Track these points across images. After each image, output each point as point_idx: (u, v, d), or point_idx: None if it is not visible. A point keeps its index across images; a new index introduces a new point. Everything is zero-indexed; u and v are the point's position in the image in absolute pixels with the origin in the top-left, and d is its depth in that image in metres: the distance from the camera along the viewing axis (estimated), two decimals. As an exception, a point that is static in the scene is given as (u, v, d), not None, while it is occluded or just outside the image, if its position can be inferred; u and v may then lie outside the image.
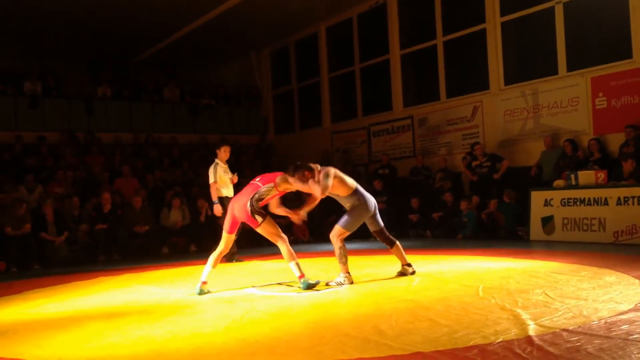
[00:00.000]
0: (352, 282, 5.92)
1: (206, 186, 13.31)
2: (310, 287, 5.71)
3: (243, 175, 14.79)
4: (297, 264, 5.78)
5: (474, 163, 11.42)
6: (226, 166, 8.99)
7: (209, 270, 5.95)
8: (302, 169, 5.76)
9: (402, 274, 6.26)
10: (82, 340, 4.14)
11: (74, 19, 13.52)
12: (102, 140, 14.66)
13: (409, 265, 6.28)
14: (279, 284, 6.32)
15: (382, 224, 6.20)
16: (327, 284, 5.88)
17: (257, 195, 5.74)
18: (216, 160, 8.91)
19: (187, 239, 11.61)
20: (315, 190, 5.69)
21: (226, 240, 6.00)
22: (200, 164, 14.65)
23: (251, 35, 15.98)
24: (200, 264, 8.76)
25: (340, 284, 5.85)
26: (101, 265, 9.74)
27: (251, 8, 13.63)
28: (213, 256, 6.01)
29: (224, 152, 8.92)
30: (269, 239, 5.90)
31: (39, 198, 11.30)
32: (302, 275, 5.76)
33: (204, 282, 5.91)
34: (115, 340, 4.09)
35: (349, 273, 5.95)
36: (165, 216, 11.55)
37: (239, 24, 14.80)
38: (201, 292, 5.84)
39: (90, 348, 3.92)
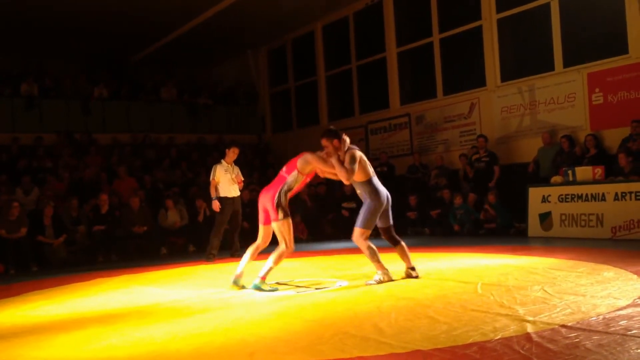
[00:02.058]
0: (391, 279, 5.74)
1: (205, 186, 13.39)
2: (258, 289, 5.67)
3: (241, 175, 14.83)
4: (271, 269, 5.73)
5: (475, 156, 11.43)
6: (229, 166, 9.10)
7: (246, 263, 5.95)
8: (332, 136, 5.66)
9: (408, 276, 5.99)
10: (82, 342, 4.13)
11: (71, 19, 13.50)
12: (99, 140, 14.64)
13: (413, 269, 5.95)
14: (277, 283, 6.32)
15: (391, 221, 5.94)
16: (366, 284, 5.73)
17: (285, 186, 5.65)
18: (221, 160, 9.09)
19: (186, 239, 11.60)
20: (342, 175, 5.61)
21: (263, 232, 5.92)
22: (199, 164, 14.66)
23: (248, 34, 15.97)
24: (199, 264, 8.80)
25: (380, 281, 5.70)
26: (100, 266, 9.72)
27: (248, 7, 13.63)
28: (250, 249, 5.99)
29: (231, 153, 9.23)
30: (278, 237, 5.76)
31: (36, 200, 11.29)
32: (263, 277, 5.72)
33: (239, 275, 5.93)
34: (114, 341, 4.09)
35: (386, 269, 5.78)
36: (162, 217, 11.54)
37: (236, 23, 14.79)
38: (235, 283, 5.89)
39: (90, 350, 3.92)
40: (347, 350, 3.46)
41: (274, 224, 5.69)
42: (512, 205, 10.55)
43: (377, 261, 5.77)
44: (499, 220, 10.50)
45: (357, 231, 5.75)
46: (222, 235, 9.28)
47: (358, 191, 5.93)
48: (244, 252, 8.41)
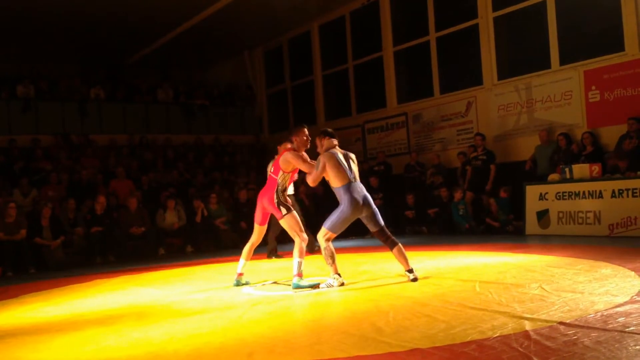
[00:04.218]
0: (342, 284, 5.70)
1: (202, 187, 13.38)
2: (300, 287, 5.69)
3: (237, 175, 14.84)
4: (300, 264, 5.76)
5: (472, 154, 11.44)
6: None
7: (243, 263, 6.27)
8: (323, 136, 5.84)
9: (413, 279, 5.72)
10: (80, 344, 4.13)
11: (66, 21, 13.47)
12: (96, 142, 14.61)
13: (410, 271, 5.70)
14: (275, 282, 6.32)
15: (381, 223, 5.77)
16: (318, 286, 5.72)
17: (279, 187, 5.97)
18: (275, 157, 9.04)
19: (184, 239, 11.59)
20: (309, 179, 5.80)
21: (258, 231, 6.24)
22: (195, 165, 14.65)
23: (244, 34, 15.95)
24: (197, 265, 8.80)
25: (331, 285, 5.67)
26: (97, 267, 9.71)
27: (244, 7, 13.61)
28: (245, 249, 6.30)
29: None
30: (289, 232, 5.97)
31: (34, 202, 11.26)
32: (298, 274, 5.74)
33: (240, 274, 6.26)
34: (112, 342, 4.08)
35: (338, 274, 5.74)
36: (160, 218, 11.52)
37: (232, 24, 14.77)
38: (238, 284, 6.22)
39: (88, 351, 3.91)
40: (346, 349, 3.46)
41: (281, 222, 5.96)
42: (509, 203, 10.55)
43: (331, 264, 5.73)
44: (502, 217, 10.47)
45: (322, 230, 5.74)
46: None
47: (337, 196, 5.81)
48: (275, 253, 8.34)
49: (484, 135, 11.44)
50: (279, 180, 5.96)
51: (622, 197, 8.63)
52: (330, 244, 5.75)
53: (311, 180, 5.78)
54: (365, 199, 5.71)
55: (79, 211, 11.22)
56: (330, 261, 5.72)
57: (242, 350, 3.64)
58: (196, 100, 16.74)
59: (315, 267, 7.39)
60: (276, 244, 9.22)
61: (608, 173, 9.26)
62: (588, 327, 3.51)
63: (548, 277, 5.34)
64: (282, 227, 6.22)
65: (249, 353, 3.54)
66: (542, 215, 9.66)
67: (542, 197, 9.72)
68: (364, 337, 3.71)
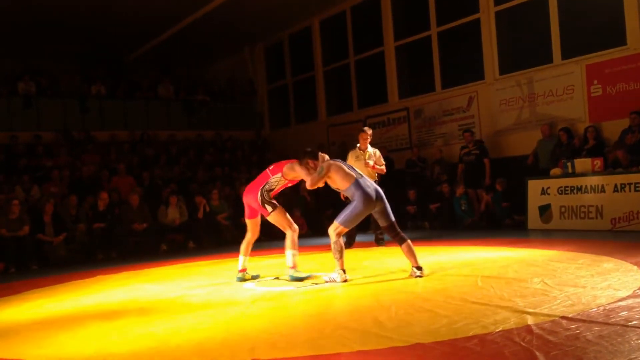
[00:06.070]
0: (345, 280, 5.66)
1: (203, 183, 13.38)
2: (296, 279, 5.80)
3: (238, 171, 14.82)
4: (294, 255, 5.92)
5: (464, 150, 11.46)
6: (362, 152, 8.77)
7: (243, 259, 6.28)
8: (308, 156, 5.90)
9: (412, 274, 5.70)
10: (83, 340, 4.13)
11: (67, 18, 13.45)
12: (97, 138, 14.61)
13: (419, 268, 5.66)
14: (277, 278, 6.33)
15: (392, 218, 5.75)
16: (323, 278, 5.81)
17: (267, 185, 5.97)
18: (357, 145, 8.98)
19: (185, 235, 11.60)
20: (307, 181, 5.83)
21: (251, 226, 6.27)
22: (197, 161, 14.64)
23: (245, 30, 15.93)
24: (198, 261, 8.81)
25: (334, 280, 5.67)
26: (100, 263, 9.72)
27: (244, 3, 13.58)
28: (242, 245, 6.30)
29: (361, 139, 8.87)
30: (280, 228, 6.06)
31: (36, 198, 11.26)
32: (294, 266, 5.89)
33: (242, 270, 6.27)
34: (115, 338, 4.09)
35: (343, 270, 5.71)
36: (162, 214, 11.53)
37: (232, 19, 14.75)
38: (242, 279, 6.22)
39: (91, 347, 3.92)
40: (348, 344, 3.46)
41: (269, 219, 6.02)
42: (511, 198, 10.55)
43: (338, 259, 5.71)
44: (498, 211, 10.52)
45: (334, 224, 5.71)
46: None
47: (349, 195, 5.82)
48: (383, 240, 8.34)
49: (472, 132, 11.50)
50: (272, 180, 5.97)
51: (625, 191, 8.61)
52: (341, 239, 5.75)
53: (309, 184, 5.79)
54: (377, 193, 5.72)
55: (81, 207, 11.22)
56: (337, 256, 5.71)
57: (244, 345, 3.64)
58: (197, 96, 16.72)
59: (315, 263, 7.40)
60: (382, 234, 8.99)
61: (610, 167, 9.26)
62: (590, 322, 3.51)
63: (550, 272, 5.34)
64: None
65: (251, 348, 3.55)
66: (544, 210, 9.65)
67: (544, 191, 9.71)
68: (366, 332, 3.71)
